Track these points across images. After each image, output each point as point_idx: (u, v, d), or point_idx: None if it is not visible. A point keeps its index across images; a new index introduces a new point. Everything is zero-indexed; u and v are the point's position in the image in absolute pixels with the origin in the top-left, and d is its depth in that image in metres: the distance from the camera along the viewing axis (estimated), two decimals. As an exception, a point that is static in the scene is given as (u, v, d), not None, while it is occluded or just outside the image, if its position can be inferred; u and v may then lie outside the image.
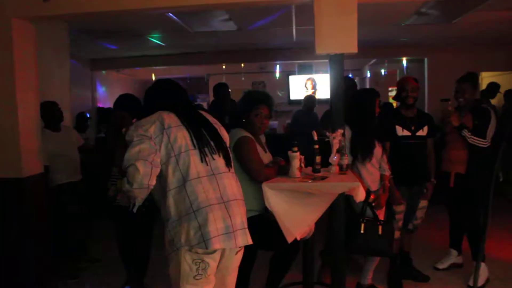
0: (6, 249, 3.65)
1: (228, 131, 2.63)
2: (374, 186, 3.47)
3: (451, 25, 5.88)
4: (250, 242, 2.24)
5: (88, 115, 6.97)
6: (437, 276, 4.04)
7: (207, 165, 2.21)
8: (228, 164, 2.32)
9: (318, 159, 3.10)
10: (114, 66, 8.95)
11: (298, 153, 2.96)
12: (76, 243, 4.51)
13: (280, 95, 10.56)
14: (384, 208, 3.50)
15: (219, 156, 2.29)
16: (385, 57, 8.82)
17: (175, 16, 5.03)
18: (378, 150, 3.53)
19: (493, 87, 7.35)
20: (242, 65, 9.58)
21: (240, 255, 2.32)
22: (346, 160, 3.16)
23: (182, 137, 2.20)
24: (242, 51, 8.13)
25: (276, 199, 2.82)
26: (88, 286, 4.24)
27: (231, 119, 4.52)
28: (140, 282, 3.60)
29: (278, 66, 9.59)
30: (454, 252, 4.19)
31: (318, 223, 3.09)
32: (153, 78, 9.83)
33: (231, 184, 2.27)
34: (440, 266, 4.19)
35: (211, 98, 6.06)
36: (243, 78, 10.08)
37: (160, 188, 2.24)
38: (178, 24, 5.42)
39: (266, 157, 3.11)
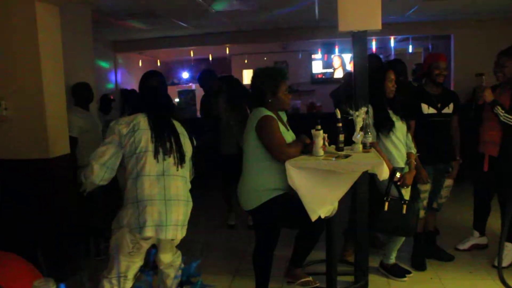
0: (33, 227, 3.75)
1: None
2: (401, 163, 3.44)
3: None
4: (179, 237, 2.62)
5: (111, 97, 6.99)
6: (461, 256, 4.01)
7: (160, 165, 2.57)
8: (180, 166, 2.65)
9: (341, 137, 3.07)
10: (136, 47, 8.98)
11: (321, 131, 2.93)
12: (101, 222, 4.56)
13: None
14: (409, 187, 3.47)
15: (172, 158, 2.61)
16: (409, 35, 8.63)
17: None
18: (402, 126, 3.49)
19: None
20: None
21: (176, 241, 2.70)
22: (370, 138, 3.12)
23: (145, 139, 2.57)
24: (263, 31, 8.05)
25: (300, 177, 2.82)
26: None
27: (249, 101, 4.56)
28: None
29: (300, 45, 9.48)
30: (476, 233, 4.13)
31: (341, 202, 3.08)
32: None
33: (176, 186, 2.61)
34: (461, 247, 4.13)
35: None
36: (265, 58, 10.01)
37: (125, 175, 2.64)
38: (200, 3, 5.40)
39: (289, 135, 3.09)
